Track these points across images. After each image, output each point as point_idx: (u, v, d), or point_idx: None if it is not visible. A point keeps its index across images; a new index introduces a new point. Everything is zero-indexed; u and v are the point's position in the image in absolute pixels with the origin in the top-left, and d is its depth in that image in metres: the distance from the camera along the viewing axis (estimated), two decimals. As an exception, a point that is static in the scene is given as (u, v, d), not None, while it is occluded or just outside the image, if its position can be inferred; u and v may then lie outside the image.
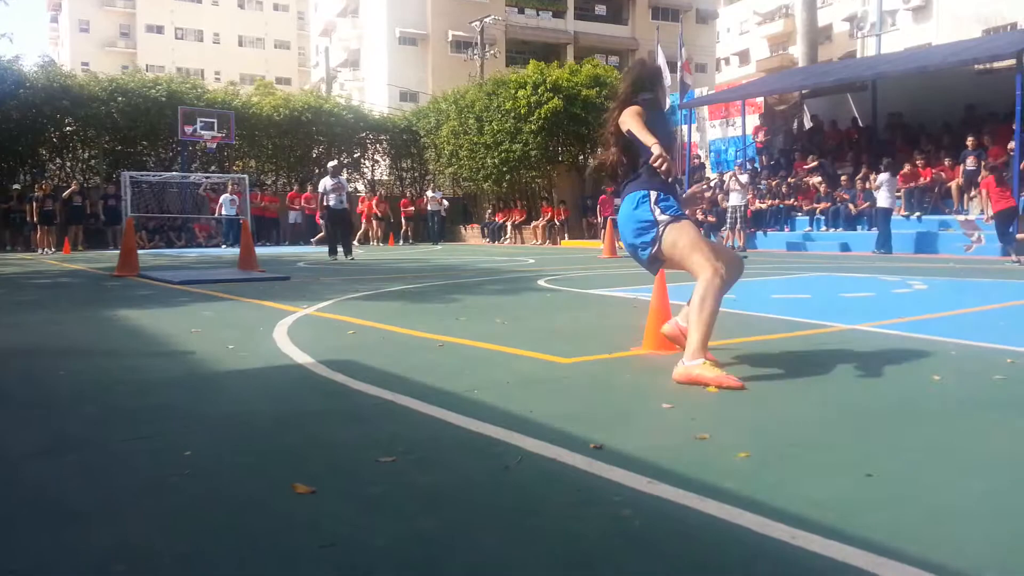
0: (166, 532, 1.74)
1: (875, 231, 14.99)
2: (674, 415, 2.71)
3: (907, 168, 15.80)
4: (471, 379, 3.32)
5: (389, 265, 12.08)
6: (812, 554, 1.57)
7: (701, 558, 1.58)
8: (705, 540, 1.66)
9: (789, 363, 3.72)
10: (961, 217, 14.58)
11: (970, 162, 14.83)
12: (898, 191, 15.61)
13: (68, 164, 22.86)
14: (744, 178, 17.02)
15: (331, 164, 15.04)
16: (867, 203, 15.45)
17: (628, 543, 1.64)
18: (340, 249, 13.85)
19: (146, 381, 3.39)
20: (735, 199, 16.74)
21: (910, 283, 7.81)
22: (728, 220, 17.00)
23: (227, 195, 20.83)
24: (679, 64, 21.48)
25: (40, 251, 18.39)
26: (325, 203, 13.71)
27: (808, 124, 20.32)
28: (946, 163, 15.52)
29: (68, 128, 22.28)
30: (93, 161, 22.92)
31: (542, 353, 3.92)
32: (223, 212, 20.83)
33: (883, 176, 14.47)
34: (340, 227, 14.09)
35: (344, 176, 14.36)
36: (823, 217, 16.82)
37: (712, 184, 19.38)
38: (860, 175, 16.19)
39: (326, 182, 13.83)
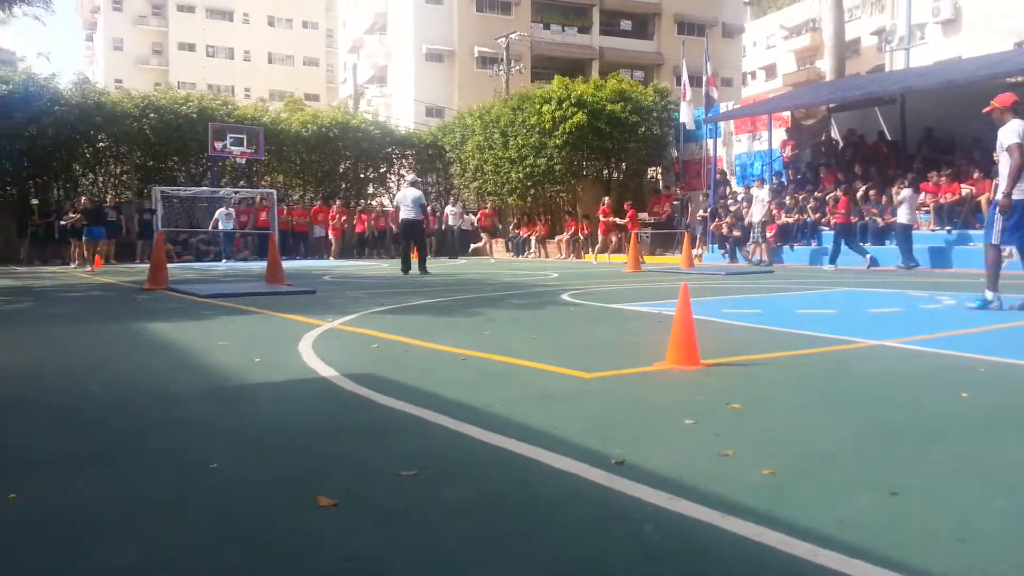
0: (191, 545, 1.76)
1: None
2: (697, 431, 2.70)
3: (932, 182, 15.61)
4: (494, 394, 3.33)
5: (413, 280, 12.14)
6: (834, 572, 1.56)
7: (722, 576, 1.57)
8: (727, 557, 1.65)
9: (815, 379, 3.69)
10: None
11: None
12: (926, 206, 15.42)
13: (100, 179, 23.30)
14: (763, 192, 16.91)
15: (410, 176, 15.04)
16: (893, 218, 15.27)
17: (649, 560, 1.64)
18: (411, 263, 13.51)
19: (174, 394, 3.44)
20: (757, 213, 16.65)
21: (939, 298, 7.70)
22: (752, 234, 16.91)
23: (222, 209, 20.92)
24: (704, 79, 21.44)
25: (73, 264, 18.71)
26: (401, 216, 13.46)
27: (838, 140, 20.15)
28: (975, 177, 15.29)
29: (101, 144, 22.74)
30: (125, 176, 23.34)
31: (565, 368, 3.92)
32: (219, 227, 20.86)
33: (905, 192, 14.35)
34: (414, 240, 13.64)
35: (420, 190, 14.05)
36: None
37: (739, 199, 19.29)
38: (887, 190, 16.02)
39: (403, 193, 13.62)
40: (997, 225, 6.40)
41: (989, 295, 6.46)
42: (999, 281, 6.52)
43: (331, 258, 22.71)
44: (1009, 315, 6.23)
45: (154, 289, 9.71)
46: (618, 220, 20.45)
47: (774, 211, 17.45)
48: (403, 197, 13.52)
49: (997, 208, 6.41)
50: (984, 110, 7.09)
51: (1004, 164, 6.46)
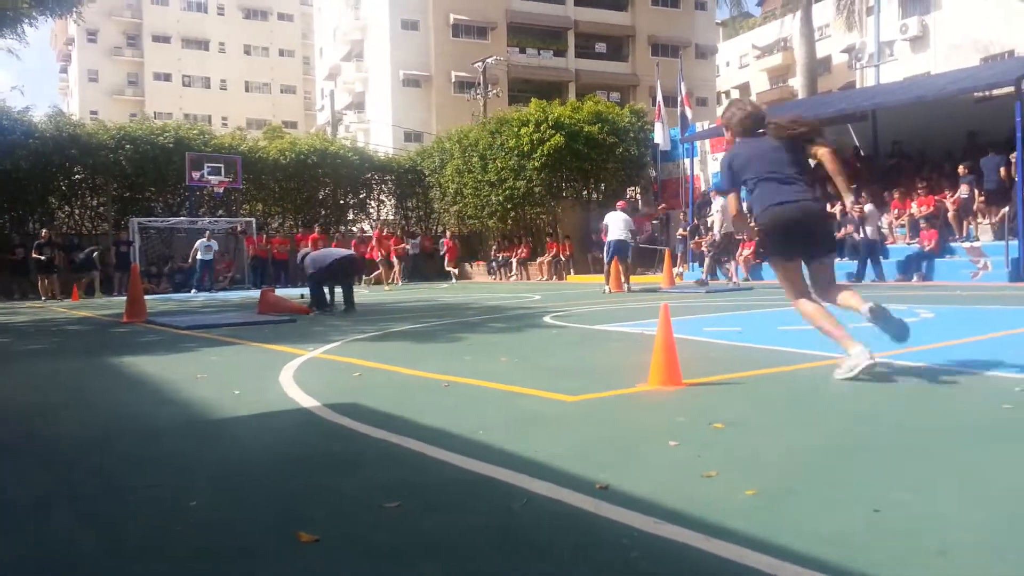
0: (170, 584, 1.73)
1: (889, 260, 15.08)
2: (681, 453, 2.70)
3: (897, 196, 15.88)
4: (477, 420, 3.31)
5: (394, 306, 12.11)
6: (820, 594, 1.55)
7: (708, 601, 1.56)
8: (712, 582, 1.65)
9: (796, 396, 3.70)
10: (967, 244, 14.56)
11: (963, 189, 14.88)
12: (900, 219, 15.64)
13: (77, 212, 23.12)
14: (719, 202, 16.43)
15: (620, 204, 15.11)
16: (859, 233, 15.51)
17: (634, 586, 1.62)
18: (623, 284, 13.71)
19: (152, 429, 3.39)
20: (719, 224, 16.43)
21: (917, 311, 7.78)
22: (720, 247, 16.48)
23: (203, 240, 20.55)
24: (679, 99, 21.68)
25: (43, 299, 18.48)
26: (611, 236, 13.70)
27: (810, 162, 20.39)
28: (948, 192, 15.55)
29: (77, 176, 22.61)
30: (102, 208, 23.18)
31: (548, 391, 3.91)
32: (198, 256, 20.41)
33: (867, 208, 14.69)
34: (622, 259, 13.87)
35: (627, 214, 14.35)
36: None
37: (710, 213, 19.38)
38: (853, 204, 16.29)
39: (615, 216, 13.91)
40: None
41: None
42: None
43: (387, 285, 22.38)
44: (988, 327, 6.31)
45: (132, 322, 9.61)
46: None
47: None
48: (614, 219, 13.90)
49: None
50: None
51: None
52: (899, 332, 3.96)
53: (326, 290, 10.71)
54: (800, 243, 4.09)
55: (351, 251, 12.14)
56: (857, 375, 3.84)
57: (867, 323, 4.00)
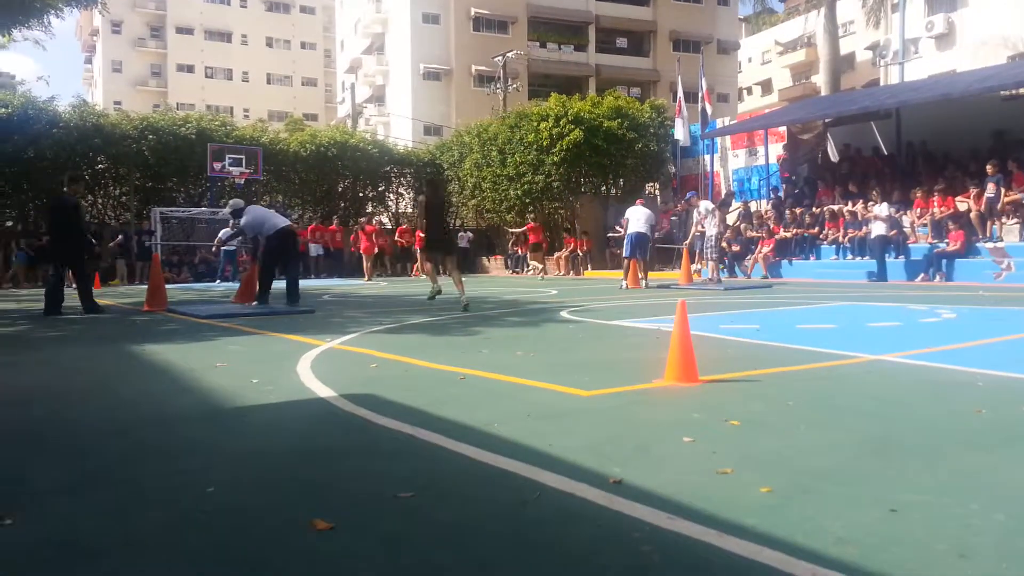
0: (187, 570, 1.75)
1: (901, 259, 14.97)
2: (695, 449, 2.69)
3: (919, 195, 15.72)
4: (492, 412, 3.32)
5: (411, 298, 12.15)
6: (833, 592, 1.55)
7: (720, 596, 1.56)
8: (725, 578, 1.64)
9: (813, 395, 3.68)
10: (990, 244, 14.38)
11: (990, 189, 14.69)
12: (923, 219, 15.48)
13: (100, 201, 23.37)
14: (703, 205, 15.91)
15: (639, 201, 15.15)
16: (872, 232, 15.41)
17: (646, 580, 1.63)
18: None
19: (172, 416, 3.43)
20: (710, 227, 15.86)
21: (938, 312, 7.70)
22: (705, 250, 15.99)
23: (227, 230, 20.52)
24: (700, 94, 21.56)
25: (70, 285, 18.68)
26: (631, 229, 13.70)
27: (834, 157, 20.22)
28: (972, 191, 15.35)
29: (100, 166, 22.83)
30: (124, 198, 23.41)
31: (563, 385, 3.91)
32: (222, 247, 20.60)
33: (880, 207, 14.64)
34: (640, 253, 13.80)
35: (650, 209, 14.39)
36: (849, 246, 16.68)
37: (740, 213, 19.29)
38: (871, 203, 16.16)
39: (637, 211, 13.86)
40: None
41: None
42: None
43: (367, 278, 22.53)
44: (1009, 328, 6.24)
45: (153, 310, 9.70)
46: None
47: (773, 225, 17.44)
48: (635, 213, 14.01)
49: None
50: None
51: None
52: None
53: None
54: None
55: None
56: None
57: None
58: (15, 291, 17.60)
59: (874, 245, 14.95)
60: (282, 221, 9.85)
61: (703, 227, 14.74)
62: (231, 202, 10.56)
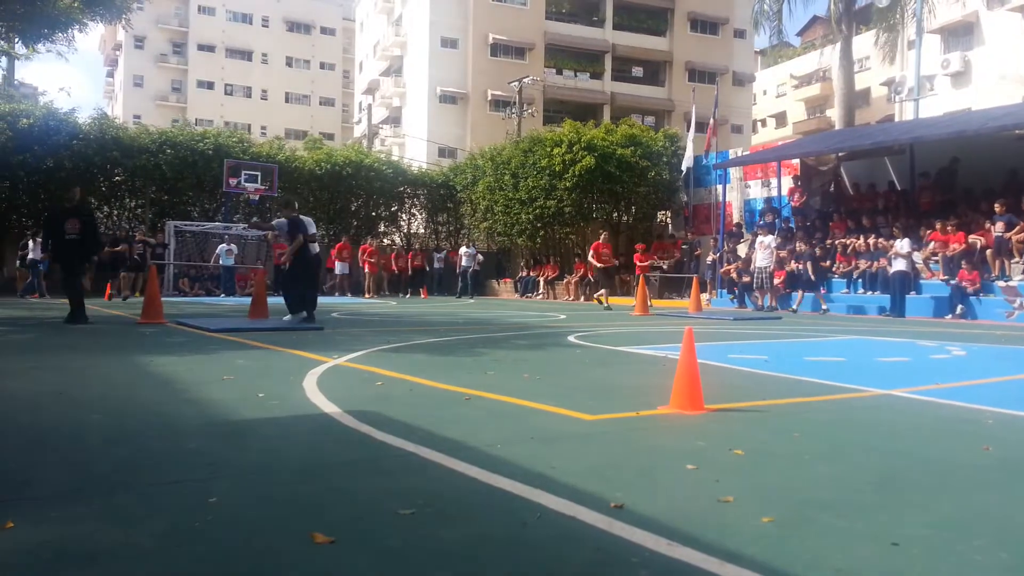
0: (185, 577, 1.75)
1: (913, 295, 14.91)
2: (698, 476, 2.68)
3: (936, 232, 15.67)
4: (495, 433, 3.32)
5: (419, 318, 12.17)
6: (832, 624, 1.53)
7: (717, 624, 1.55)
8: (722, 605, 1.63)
9: (820, 427, 3.66)
10: (1003, 283, 14.31)
11: (999, 227, 14.65)
12: (935, 255, 15.43)
13: (115, 213, 23.57)
14: (768, 239, 16.87)
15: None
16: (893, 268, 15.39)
17: (643, 605, 1.62)
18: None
19: (177, 427, 3.44)
20: (761, 260, 16.62)
21: (948, 349, 7.65)
22: (755, 281, 16.89)
23: (224, 245, 21.11)
24: (708, 125, 21.69)
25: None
26: None
27: (848, 188, 20.24)
28: (988, 228, 15.31)
29: (117, 178, 23.05)
30: (140, 210, 23.61)
31: (568, 409, 3.90)
32: (220, 262, 21.02)
33: (902, 243, 14.64)
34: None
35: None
36: (861, 280, 16.63)
37: (748, 244, 19.30)
38: (887, 239, 16.14)
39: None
40: None
41: None
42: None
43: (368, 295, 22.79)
44: (1018, 367, 6.19)
45: (148, 322, 9.59)
46: (644, 263, 19.86)
47: (783, 256, 17.44)
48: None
49: None
50: None
51: None
52: None
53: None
54: None
55: None
56: None
57: None
58: (32, 300, 17.71)
59: (894, 280, 14.83)
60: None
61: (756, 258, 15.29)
62: (283, 198, 10.70)
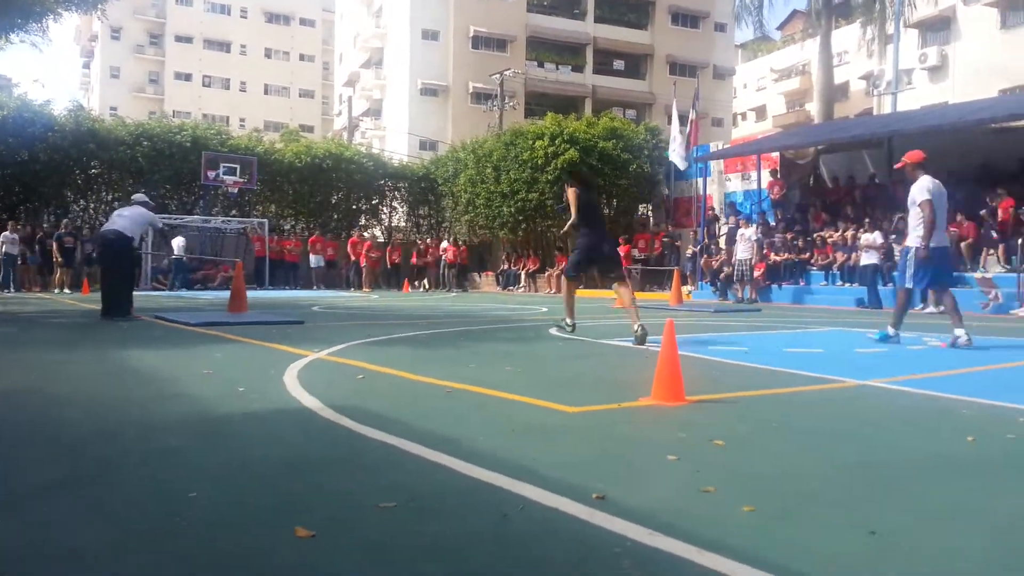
0: (168, 575, 1.74)
1: (890, 286, 15.06)
2: (679, 467, 2.69)
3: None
4: (477, 426, 3.31)
5: (401, 311, 12.13)
6: (812, 612, 1.55)
7: (699, 613, 1.56)
8: (704, 595, 1.64)
9: (799, 417, 3.69)
10: (978, 275, 14.49)
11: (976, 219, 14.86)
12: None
13: (91, 206, 23.30)
14: (749, 232, 17.08)
15: None
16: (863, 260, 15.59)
17: (626, 596, 1.62)
18: None
19: (156, 422, 3.41)
20: (742, 253, 16.81)
21: (925, 340, 7.74)
22: (735, 273, 17.06)
23: (178, 239, 21.02)
24: (689, 120, 21.75)
25: (56, 291, 18.56)
26: None
27: (826, 181, 20.41)
28: (958, 220, 15.48)
29: (93, 171, 22.78)
30: (116, 203, 23.33)
31: (549, 401, 3.91)
32: (174, 255, 20.91)
33: (872, 235, 14.83)
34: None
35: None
36: (839, 272, 16.78)
37: (725, 232, 19.42)
38: (859, 230, 16.33)
39: None
40: (909, 271, 7.15)
41: (891, 331, 7.20)
42: (903, 321, 7.37)
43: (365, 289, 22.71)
44: (995, 357, 6.28)
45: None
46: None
47: (765, 249, 17.59)
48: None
49: (914, 256, 7.06)
50: (896, 165, 7.89)
51: (914, 216, 7.21)
52: None
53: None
54: None
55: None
56: None
57: None
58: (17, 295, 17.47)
59: (864, 273, 15.08)
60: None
61: (736, 250, 15.33)
62: (135, 196, 10.09)
